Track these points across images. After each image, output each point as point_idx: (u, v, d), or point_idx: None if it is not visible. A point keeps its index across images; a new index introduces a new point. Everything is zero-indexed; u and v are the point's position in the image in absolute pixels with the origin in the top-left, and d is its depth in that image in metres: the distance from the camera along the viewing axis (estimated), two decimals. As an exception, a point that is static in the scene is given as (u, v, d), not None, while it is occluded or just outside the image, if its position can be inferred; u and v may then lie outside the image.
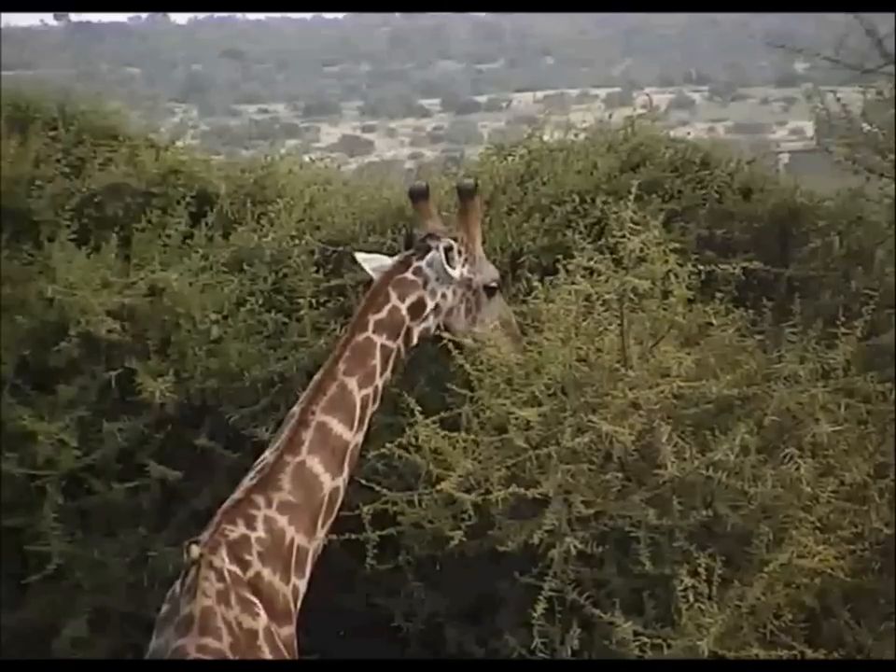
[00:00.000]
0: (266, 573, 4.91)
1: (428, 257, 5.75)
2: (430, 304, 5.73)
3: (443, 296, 5.77)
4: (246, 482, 5.12)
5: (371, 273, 5.86)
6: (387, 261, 5.87)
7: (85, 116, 7.31)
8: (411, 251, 5.79)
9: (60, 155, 7.01)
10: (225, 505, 5.03)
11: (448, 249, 5.75)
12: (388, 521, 5.69)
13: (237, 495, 5.06)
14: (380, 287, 5.68)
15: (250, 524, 4.96)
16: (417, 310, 5.69)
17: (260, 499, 5.03)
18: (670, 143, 7.18)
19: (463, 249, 5.81)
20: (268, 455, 5.19)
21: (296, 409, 5.33)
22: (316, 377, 5.43)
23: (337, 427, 5.30)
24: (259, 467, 5.16)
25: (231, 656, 4.60)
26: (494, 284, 5.92)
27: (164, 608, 4.80)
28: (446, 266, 5.73)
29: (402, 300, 5.65)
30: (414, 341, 5.71)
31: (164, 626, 4.73)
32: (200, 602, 4.62)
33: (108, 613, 6.57)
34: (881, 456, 5.61)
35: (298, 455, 5.18)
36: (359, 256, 5.98)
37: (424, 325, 5.72)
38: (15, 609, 6.62)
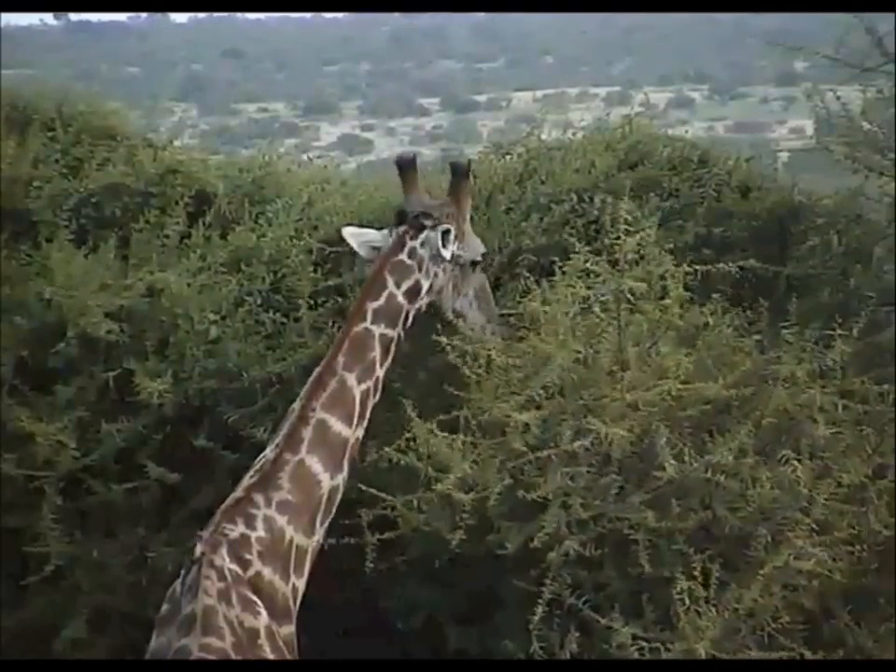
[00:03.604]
0: (266, 572, 4.90)
1: (422, 236, 5.73)
2: (425, 286, 5.73)
3: (435, 275, 5.77)
4: (247, 480, 5.12)
5: (357, 248, 5.83)
6: (374, 235, 5.83)
7: (83, 116, 7.30)
8: (403, 228, 5.74)
9: (58, 155, 7.01)
10: (225, 504, 5.02)
11: (446, 232, 5.73)
12: (387, 523, 5.69)
13: (237, 493, 5.06)
14: (377, 273, 5.65)
15: (250, 523, 4.95)
16: (413, 293, 5.68)
17: (260, 498, 5.03)
18: (668, 141, 7.19)
19: (454, 227, 5.80)
20: (268, 453, 5.20)
21: (297, 404, 5.33)
22: (317, 370, 5.43)
23: (336, 424, 5.30)
24: (259, 465, 5.16)
25: (233, 656, 4.58)
26: (480, 259, 5.93)
27: (165, 607, 4.78)
28: (441, 249, 5.72)
29: (399, 285, 5.64)
30: (410, 323, 5.70)
31: (165, 626, 4.71)
32: (202, 601, 4.61)
33: (108, 613, 6.56)
34: (879, 458, 5.60)
35: (297, 453, 5.18)
36: (347, 231, 5.89)
37: (418, 305, 5.72)
38: (15, 610, 6.61)
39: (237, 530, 4.91)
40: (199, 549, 4.74)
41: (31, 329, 6.51)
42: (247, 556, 4.87)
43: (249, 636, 4.68)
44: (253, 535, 4.93)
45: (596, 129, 7.33)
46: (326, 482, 5.21)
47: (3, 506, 6.46)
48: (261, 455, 5.22)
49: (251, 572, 4.85)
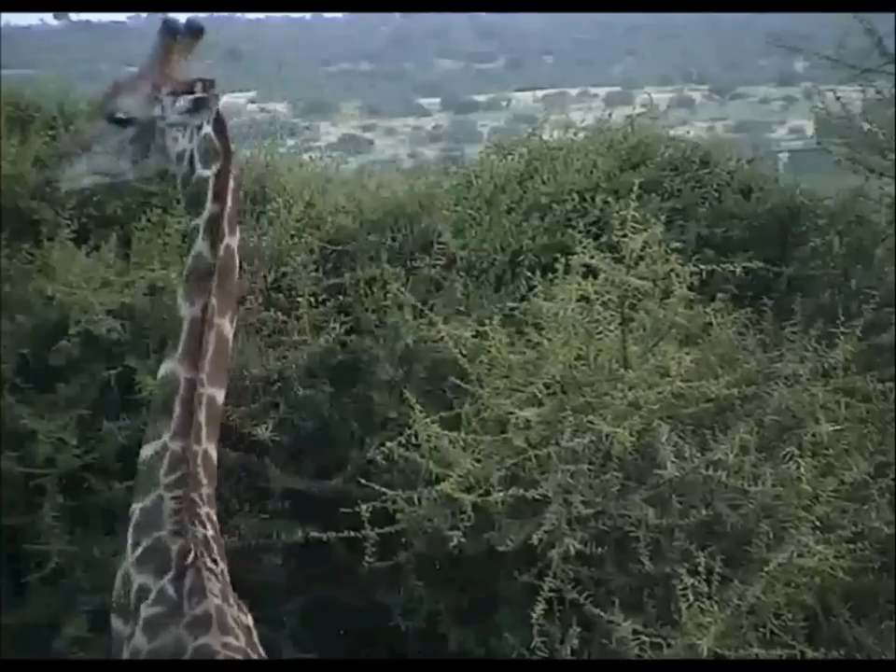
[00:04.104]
0: (226, 570, 4.86)
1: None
2: None
3: None
4: (162, 475, 4.83)
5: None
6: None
7: (85, 115, 7.29)
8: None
9: (60, 154, 7.00)
10: (173, 504, 4.78)
11: None
12: (388, 519, 5.69)
13: (166, 492, 4.80)
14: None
15: (203, 524, 4.86)
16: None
17: (196, 497, 4.88)
18: (670, 142, 7.21)
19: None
20: (168, 443, 4.84)
21: (180, 373, 4.84)
22: (187, 317, 4.91)
23: (218, 394, 4.88)
24: (168, 460, 4.83)
25: (251, 654, 4.57)
26: None
27: (154, 609, 4.69)
28: None
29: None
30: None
31: (162, 627, 4.65)
32: (212, 601, 4.58)
33: (109, 612, 6.54)
34: (881, 456, 5.61)
35: (199, 443, 4.82)
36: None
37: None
38: (15, 608, 6.60)
39: (201, 531, 4.83)
40: (193, 551, 4.68)
41: (32, 327, 6.51)
42: (215, 556, 4.82)
43: (247, 634, 4.67)
44: (209, 534, 4.85)
45: (598, 129, 7.34)
46: (215, 457, 4.88)
47: (3, 504, 6.45)
48: (162, 443, 4.84)
49: (226, 572, 4.82)
